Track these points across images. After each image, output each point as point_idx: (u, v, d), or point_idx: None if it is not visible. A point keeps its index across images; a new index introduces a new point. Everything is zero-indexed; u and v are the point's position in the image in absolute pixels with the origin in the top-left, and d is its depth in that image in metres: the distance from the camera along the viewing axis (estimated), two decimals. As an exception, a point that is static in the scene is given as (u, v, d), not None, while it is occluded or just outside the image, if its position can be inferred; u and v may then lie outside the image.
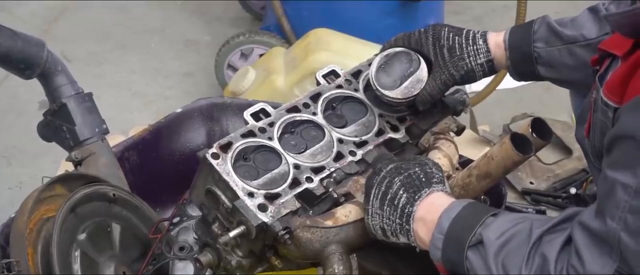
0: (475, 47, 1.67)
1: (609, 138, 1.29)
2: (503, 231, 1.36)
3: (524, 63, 1.69)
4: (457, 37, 1.68)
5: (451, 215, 1.40)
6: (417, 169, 1.48)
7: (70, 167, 2.08)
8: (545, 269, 1.29)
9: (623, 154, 1.25)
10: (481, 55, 1.68)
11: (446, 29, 1.69)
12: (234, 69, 3.26)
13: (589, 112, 1.46)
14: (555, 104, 3.24)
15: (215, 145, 1.59)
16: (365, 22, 3.10)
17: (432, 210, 1.43)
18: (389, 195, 1.46)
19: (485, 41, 1.68)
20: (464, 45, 1.67)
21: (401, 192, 1.46)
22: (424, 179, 1.47)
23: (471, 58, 1.67)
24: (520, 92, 3.30)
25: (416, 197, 1.45)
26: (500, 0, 3.96)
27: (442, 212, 1.42)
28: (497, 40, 1.69)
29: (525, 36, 1.68)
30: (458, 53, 1.67)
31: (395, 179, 1.47)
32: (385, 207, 1.46)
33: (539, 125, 1.58)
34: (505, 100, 3.29)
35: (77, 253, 1.74)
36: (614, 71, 1.37)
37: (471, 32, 1.69)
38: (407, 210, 1.44)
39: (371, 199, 1.48)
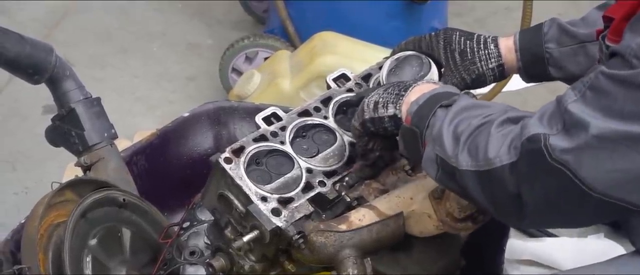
0: (486, 51, 1.68)
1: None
2: (475, 103, 1.41)
3: (535, 64, 1.69)
4: (468, 42, 1.68)
5: (446, 89, 1.47)
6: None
7: (76, 171, 2.08)
8: (489, 120, 1.33)
9: (613, 62, 1.23)
10: (492, 60, 1.68)
11: (457, 33, 1.69)
12: (239, 73, 3.24)
13: None
14: (559, 106, 3.23)
15: (227, 149, 1.59)
16: (369, 24, 3.09)
17: (431, 85, 1.51)
18: (397, 83, 1.55)
19: (496, 46, 1.68)
20: (475, 49, 1.68)
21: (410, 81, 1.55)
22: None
23: (482, 62, 1.68)
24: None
25: (419, 81, 1.53)
26: (503, 1, 3.97)
27: (443, 86, 1.50)
28: (507, 44, 1.69)
29: (536, 37, 1.68)
30: (469, 57, 1.67)
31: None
32: (389, 89, 1.53)
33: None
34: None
35: (89, 258, 1.73)
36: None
37: (482, 36, 1.69)
38: (408, 84, 1.52)
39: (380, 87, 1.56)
